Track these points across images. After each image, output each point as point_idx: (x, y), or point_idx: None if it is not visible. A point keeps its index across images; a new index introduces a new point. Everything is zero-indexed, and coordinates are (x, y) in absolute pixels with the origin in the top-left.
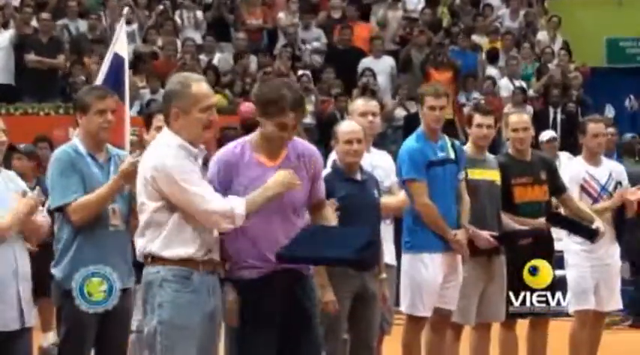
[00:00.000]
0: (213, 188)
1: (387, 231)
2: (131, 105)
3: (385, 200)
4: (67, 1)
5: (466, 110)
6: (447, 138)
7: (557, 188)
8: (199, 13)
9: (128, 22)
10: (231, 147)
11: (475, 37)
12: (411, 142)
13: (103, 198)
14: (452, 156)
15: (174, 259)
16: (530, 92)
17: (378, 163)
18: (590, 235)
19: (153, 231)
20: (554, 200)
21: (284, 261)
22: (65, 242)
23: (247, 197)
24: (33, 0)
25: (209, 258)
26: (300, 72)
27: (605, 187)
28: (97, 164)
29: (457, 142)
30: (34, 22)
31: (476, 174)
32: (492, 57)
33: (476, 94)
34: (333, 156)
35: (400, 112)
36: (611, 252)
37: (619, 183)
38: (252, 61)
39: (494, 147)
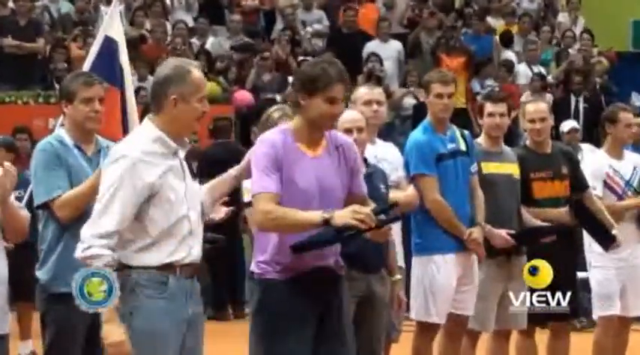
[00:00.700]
0: (266, 169)
1: (394, 230)
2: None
3: (393, 195)
4: None
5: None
6: (455, 128)
7: (578, 185)
8: None
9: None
10: (275, 132)
11: (490, 20)
12: (417, 134)
13: (92, 192)
14: (463, 147)
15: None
16: (550, 78)
17: (384, 156)
18: (606, 240)
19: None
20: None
21: (297, 251)
22: (50, 241)
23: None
24: None
25: (190, 262)
26: (300, 58)
27: (630, 182)
28: (84, 156)
29: (466, 131)
30: (10, 4)
31: (492, 168)
32: (506, 40)
33: (490, 81)
34: None
35: (409, 101)
36: (636, 253)
37: None
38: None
39: (511, 138)
